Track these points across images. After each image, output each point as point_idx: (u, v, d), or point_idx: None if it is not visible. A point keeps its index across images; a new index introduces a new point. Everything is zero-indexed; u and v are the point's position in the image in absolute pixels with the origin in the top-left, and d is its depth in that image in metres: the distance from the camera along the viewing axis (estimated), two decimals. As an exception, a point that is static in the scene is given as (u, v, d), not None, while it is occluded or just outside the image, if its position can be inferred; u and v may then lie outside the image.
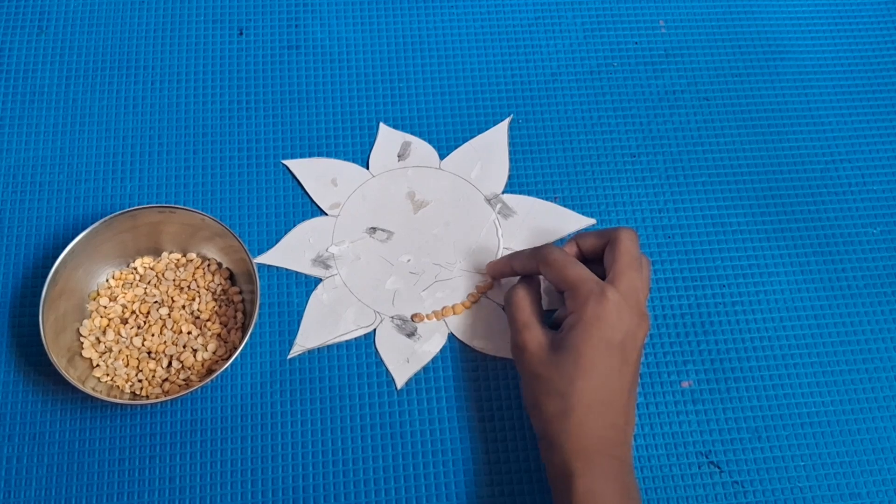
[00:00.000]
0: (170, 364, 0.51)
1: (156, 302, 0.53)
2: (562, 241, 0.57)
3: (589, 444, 0.44)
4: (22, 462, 0.50)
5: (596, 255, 0.50)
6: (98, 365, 0.51)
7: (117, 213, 0.51)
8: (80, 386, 0.47)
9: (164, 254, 0.54)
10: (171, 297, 0.53)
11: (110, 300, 0.53)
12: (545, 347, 0.46)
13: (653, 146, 0.61)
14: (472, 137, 0.60)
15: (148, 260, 0.54)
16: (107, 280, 0.53)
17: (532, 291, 0.50)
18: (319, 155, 0.59)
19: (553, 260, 0.48)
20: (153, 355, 0.51)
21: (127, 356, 0.51)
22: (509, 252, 0.56)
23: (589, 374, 0.44)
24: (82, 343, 0.51)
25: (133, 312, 0.52)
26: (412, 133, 0.60)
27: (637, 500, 0.44)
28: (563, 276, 0.47)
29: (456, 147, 0.59)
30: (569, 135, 0.61)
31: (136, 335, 0.52)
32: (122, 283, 0.53)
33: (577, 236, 0.51)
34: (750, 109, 0.62)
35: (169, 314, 0.52)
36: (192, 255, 0.54)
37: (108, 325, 0.52)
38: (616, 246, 0.47)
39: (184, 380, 0.51)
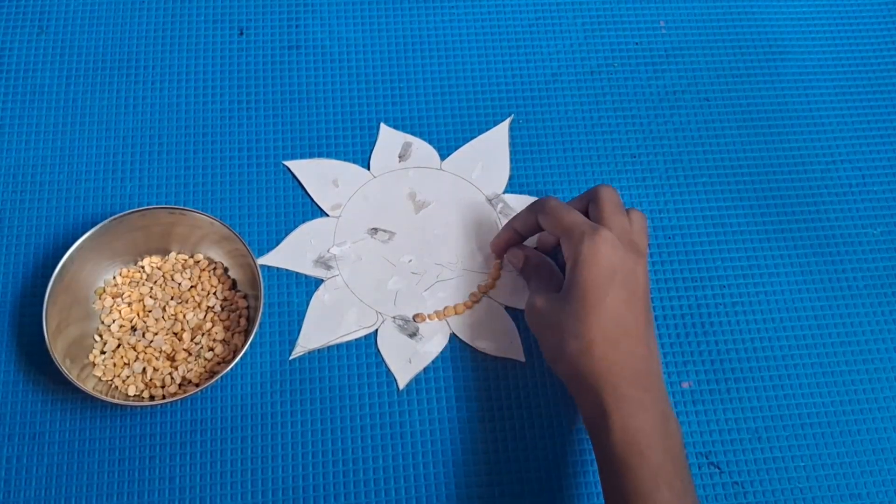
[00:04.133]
0: (172, 365, 0.51)
1: (160, 302, 0.53)
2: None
3: (615, 377, 0.45)
4: (22, 462, 0.50)
5: (531, 231, 0.52)
6: (99, 365, 0.51)
7: (128, 211, 0.51)
8: (80, 386, 0.47)
9: (172, 254, 0.54)
10: (177, 298, 0.53)
11: (115, 298, 0.53)
12: (552, 299, 0.48)
13: (653, 146, 0.61)
14: (472, 138, 0.60)
15: (156, 259, 0.54)
16: (114, 277, 0.53)
17: (548, 267, 0.52)
18: (320, 155, 0.59)
19: (550, 207, 0.49)
20: (156, 356, 0.51)
21: (129, 356, 0.51)
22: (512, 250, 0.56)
23: (598, 308, 0.45)
24: (84, 342, 0.51)
25: (137, 313, 0.52)
26: (413, 133, 0.60)
27: (675, 432, 0.45)
28: (559, 222, 0.48)
29: (457, 147, 0.59)
30: (569, 135, 0.61)
31: (140, 335, 0.52)
32: (128, 280, 0.53)
33: (510, 222, 0.53)
34: (750, 110, 0.62)
35: (173, 315, 0.52)
36: (200, 257, 0.54)
37: (111, 325, 0.52)
38: (598, 200, 0.49)
39: (185, 381, 0.51)
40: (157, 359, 0.51)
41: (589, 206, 0.50)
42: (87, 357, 0.51)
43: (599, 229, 0.46)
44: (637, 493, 0.42)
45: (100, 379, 0.50)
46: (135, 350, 0.51)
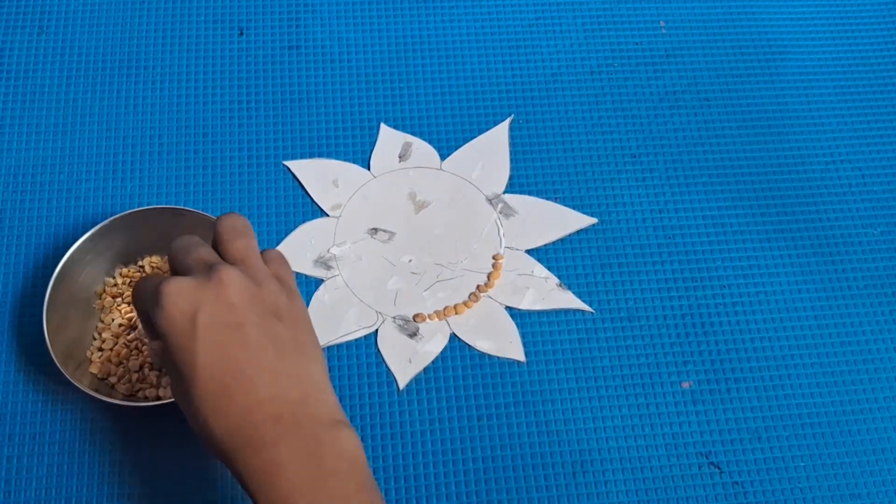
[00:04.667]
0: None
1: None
2: (563, 242, 0.57)
3: (238, 444, 0.37)
4: (22, 462, 0.50)
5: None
6: (100, 364, 0.51)
7: (128, 211, 0.51)
8: (81, 385, 0.47)
9: (172, 254, 0.54)
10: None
11: (115, 298, 0.53)
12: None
13: (653, 146, 0.61)
14: (472, 138, 0.60)
15: (156, 259, 0.54)
16: (114, 277, 0.53)
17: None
18: (320, 155, 0.59)
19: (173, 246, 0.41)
20: (154, 356, 0.51)
21: (130, 356, 0.51)
22: (510, 250, 0.56)
23: (192, 367, 0.37)
24: (86, 342, 0.51)
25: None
26: (413, 133, 0.60)
27: (341, 469, 0.37)
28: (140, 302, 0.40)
29: (457, 147, 0.59)
30: (569, 135, 0.61)
31: (140, 335, 0.52)
32: (128, 280, 0.53)
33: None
34: (750, 110, 0.62)
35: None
36: (198, 257, 0.54)
37: (112, 325, 0.52)
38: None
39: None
40: (157, 359, 0.51)
41: None
42: (88, 357, 0.51)
43: (162, 278, 0.38)
44: None
45: (101, 379, 0.50)
46: (135, 350, 0.51)
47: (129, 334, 0.52)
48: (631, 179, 0.59)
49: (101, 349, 0.51)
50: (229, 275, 0.38)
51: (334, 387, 0.52)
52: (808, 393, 0.54)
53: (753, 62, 0.64)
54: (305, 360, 0.39)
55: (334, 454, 0.37)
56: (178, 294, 0.37)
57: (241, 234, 0.41)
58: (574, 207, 0.58)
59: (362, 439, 0.51)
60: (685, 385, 0.54)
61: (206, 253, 0.40)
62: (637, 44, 0.64)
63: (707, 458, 0.52)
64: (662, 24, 0.65)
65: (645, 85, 0.63)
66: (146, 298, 0.39)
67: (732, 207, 0.59)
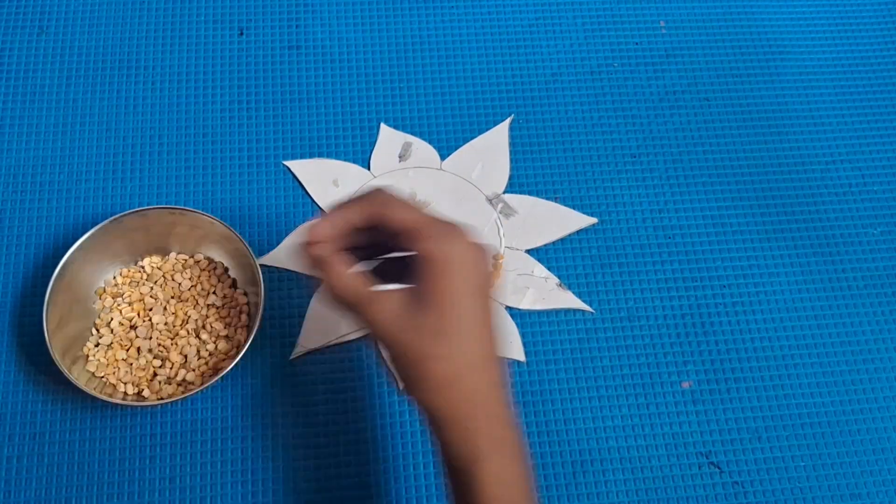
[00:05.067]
0: (172, 365, 0.51)
1: (161, 302, 0.53)
2: (563, 242, 0.57)
3: (485, 413, 0.38)
4: (22, 462, 0.50)
5: (365, 224, 0.40)
6: (100, 364, 0.51)
7: (128, 211, 0.51)
8: (81, 385, 0.47)
9: (172, 254, 0.54)
10: (177, 298, 0.53)
11: (116, 298, 0.53)
12: (400, 313, 0.38)
13: (653, 146, 0.61)
14: (472, 138, 0.60)
15: (156, 259, 0.54)
16: (114, 277, 0.53)
17: (349, 264, 0.40)
18: (320, 155, 0.59)
19: (390, 201, 0.39)
20: (156, 356, 0.51)
21: (130, 356, 0.51)
22: (510, 250, 0.56)
23: (460, 328, 0.38)
24: (85, 341, 0.51)
25: (138, 312, 0.52)
26: (413, 133, 0.60)
27: (513, 439, 0.39)
28: (404, 218, 0.39)
29: (457, 147, 0.59)
30: (569, 135, 0.61)
31: (140, 335, 0.52)
32: (129, 280, 0.53)
33: (341, 211, 0.40)
34: (750, 110, 0.62)
35: (174, 315, 0.52)
36: (200, 257, 0.54)
37: (112, 324, 0.52)
38: (390, 207, 0.39)
39: (186, 381, 0.51)
40: (157, 358, 0.51)
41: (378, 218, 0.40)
42: (89, 357, 0.51)
43: (453, 227, 0.39)
44: None
45: (101, 379, 0.50)
46: (136, 349, 0.51)
47: (128, 334, 0.52)
48: (631, 179, 0.59)
49: (96, 344, 0.51)
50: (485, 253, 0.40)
51: (334, 387, 0.53)
52: (808, 393, 0.54)
53: (753, 62, 0.64)
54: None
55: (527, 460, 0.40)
56: (473, 256, 0.39)
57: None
58: (574, 207, 0.58)
59: (362, 440, 0.51)
60: (685, 385, 0.54)
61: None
62: (637, 44, 0.64)
63: (707, 458, 0.52)
64: (662, 24, 0.65)
65: (645, 85, 0.63)
66: (425, 230, 0.38)
67: (732, 207, 0.59)
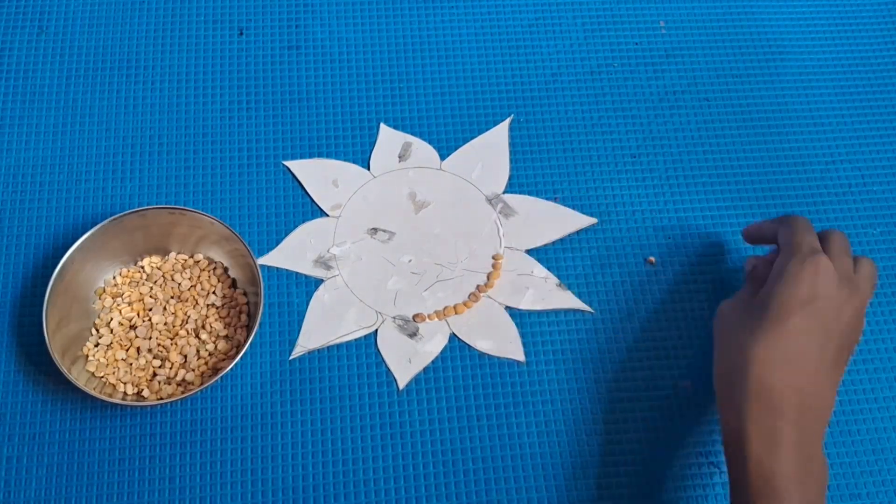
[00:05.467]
0: (172, 365, 0.51)
1: (161, 302, 0.53)
2: (562, 242, 0.57)
3: (762, 402, 0.41)
4: (22, 462, 0.50)
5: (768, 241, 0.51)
6: (100, 364, 0.51)
7: (127, 211, 0.51)
8: (81, 385, 0.47)
9: (172, 254, 0.54)
10: (177, 298, 0.53)
11: (115, 298, 0.53)
12: (737, 308, 0.46)
13: (653, 146, 0.61)
14: (472, 138, 0.60)
15: (155, 259, 0.54)
16: (114, 277, 0.53)
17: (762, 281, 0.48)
18: (320, 155, 0.59)
19: (792, 222, 0.48)
20: (156, 356, 0.51)
21: (129, 356, 0.51)
22: (510, 250, 0.56)
23: (773, 327, 0.43)
24: (85, 342, 0.51)
25: (138, 312, 0.52)
26: (412, 133, 0.60)
27: (819, 473, 0.42)
28: (790, 236, 0.46)
29: (456, 147, 0.59)
30: (569, 135, 0.61)
31: (140, 335, 0.52)
32: (128, 280, 0.53)
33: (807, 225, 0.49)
34: (750, 110, 0.62)
35: (173, 315, 0.52)
36: (199, 257, 0.54)
37: (111, 324, 0.52)
38: (826, 238, 0.47)
39: (186, 381, 0.51)
40: (157, 358, 0.51)
41: (780, 231, 0.48)
42: (89, 357, 0.51)
43: (819, 255, 0.44)
44: None
45: (100, 379, 0.50)
46: (136, 349, 0.51)
47: (128, 334, 0.52)
48: (631, 179, 0.59)
49: (96, 344, 0.51)
50: (857, 294, 0.45)
51: (334, 387, 0.53)
52: (808, 393, 0.54)
53: (753, 62, 0.64)
54: (837, 376, 0.45)
55: (817, 462, 0.42)
56: (822, 277, 0.43)
57: (846, 253, 0.47)
58: (574, 208, 0.58)
59: (361, 439, 0.51)
60: (685, 385, 0.54)
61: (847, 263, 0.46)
62: (637, 44, 0.64)
63: (707, 458, 0.52)
64: (662, 24, 0.65)
65: (645, 85, 0.63)
66: (792, 249, 0.45)
67: (732, 207, 0.59)
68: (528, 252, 0.56)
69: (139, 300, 0.53)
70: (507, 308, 0.55)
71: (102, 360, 0.51)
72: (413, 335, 0.54)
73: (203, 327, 0.52)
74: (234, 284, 0.54)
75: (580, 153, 0.60)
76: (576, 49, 0.64)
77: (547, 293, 0.55)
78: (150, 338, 0.52)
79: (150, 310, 0.53)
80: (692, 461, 0.52)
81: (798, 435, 0.41)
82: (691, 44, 0.64)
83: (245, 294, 0.53)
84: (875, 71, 0.65)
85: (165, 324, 0.52)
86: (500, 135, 0.60)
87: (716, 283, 0.57)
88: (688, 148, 0.61)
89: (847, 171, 0.61)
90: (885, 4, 0.67)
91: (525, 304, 0.55)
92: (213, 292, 0.53)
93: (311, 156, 0.59)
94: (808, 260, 0.44)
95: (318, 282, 0.55)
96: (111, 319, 0.52)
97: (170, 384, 0.51)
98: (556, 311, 0.55)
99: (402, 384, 0.53)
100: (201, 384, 0.48)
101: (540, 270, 0.56)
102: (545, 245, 0.57)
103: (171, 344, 0.52)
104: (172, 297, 0.53)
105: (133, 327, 0.52)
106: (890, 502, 0.51)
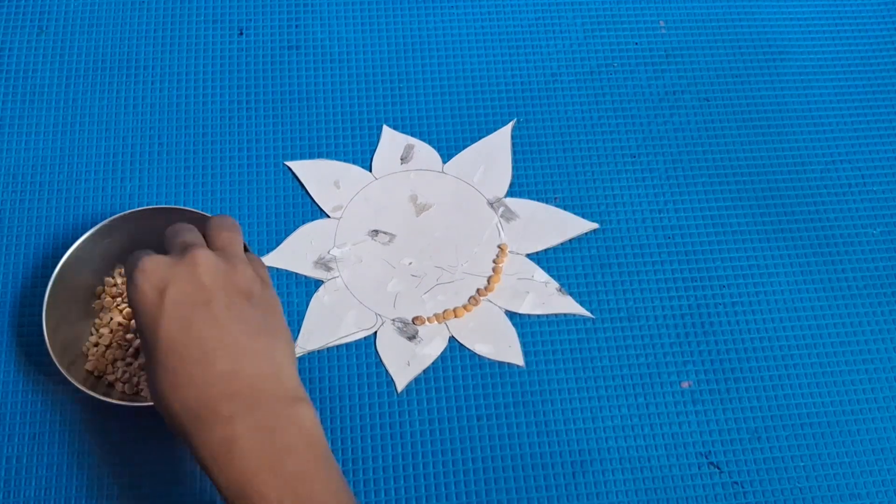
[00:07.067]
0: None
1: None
2: (562, 245, 0.57)
3: (190, 415, 0.37)
4: (22, 462, 0.50)
5: None
6: (100, 364, 0.51)
7: (127, 211, 0.51)
8: (81, 385, 0.47)
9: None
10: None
11: (115, 298, 0.53)
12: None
13: (653, 147, 0.61)
14: (474, 140, 0.60)
15: (156, 259, 0.54)
16: (114, 277, 0.53)
17: None
18: (321, 156, 0.59)
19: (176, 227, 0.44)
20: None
21: (129, 356, 0.51)
22: (513, 254, 0.56)
23: (155, 340, 0.38)
24: (85, 341, 0.51)
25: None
26: (414, 135, 0.60)
27: (294, 438, 0.37)
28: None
29: (458, 149, 0.59)
30: (569, 135, 0.61)
31: (139, 335, 0.52)
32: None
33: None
34: (750, 110, 0.62)
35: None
36: (199, 257, 0.54)
37: (111, 324, 0.52)
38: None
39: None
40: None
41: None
42: (88, 357, 0.51)
43: (143, 253, 0.40)
44: None
45: (101, 379, 0.50)
46: (133, 349, 0.51)
47: (127, 334, 0.52)
48: (631, 180, 0.59)
49: (96, 344, 0.51)
50: (203, 255, 0.40)
51: (333, 388, 0.53)
52: (808, 393, 0.54)
53: (753, 62, 0.64)
54: (272, 340, 0.40)
55: (291, 430, 0.38)
56: (152, 270, 0.39)
57: (226, 228, 0.43)
58: (574, 208, 0.58)
59: (361, 440, 0.51)
60: (685, 385, 0.54)
61: (191, 237, 0.42)
62: (637, 44, 0.64)
63: (707, 458, 0.52)
64: (662, 24, 0.65)
65: (645, 85, 0.63)
66: (126, 274, 0.41)
67: (732, 207, 0.59)
68: (529, 256, 0.56)
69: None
70: (507, 312, 0.55)
71: (102, 359, 0.51)
72: (412, 338, 0.54)
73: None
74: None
75: (580, 153, 0.60)
76: (576, 49, 0.64)
77: (547, 298, 0.55)
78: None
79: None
80: (692, 461, 0.52)
81: (242, 421, 0.37)
82: (691, 44, 0.64)
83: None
84: (875, 71, 0.65)
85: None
86: (502, 138, 0.60)
87: (715, 282, 0.57)
88: (688, 148, 0.61)
89: (847, 171, 0.61)
90: (885, 4, 0.67)
91: (525, 309, 0.55)
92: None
93: (312, 156, 0.59)
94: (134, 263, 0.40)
95: (318, 283, 0.55)
96: (111, 319, 0.52)
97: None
98: (556, 316, 0.55)
99: (400, 386, 0.53)
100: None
101: (540, 275, 0.56)
102: (546, 249, 0.57)
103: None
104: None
105: (133, 327, 0.52)
106: (890, 502, 0.51)
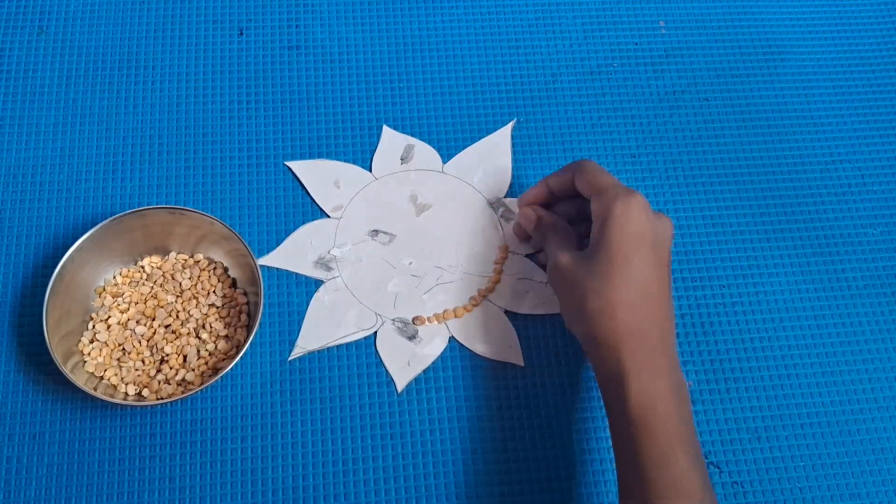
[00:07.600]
0: (172, 365, 0.51)
1: (161, 302, 0.53)
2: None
3: (635, 341, 0.44)
4: (22, 462, 0.50)
5: (564, 191, 0.52)
6: (100, 364, 0.51)
7: (128, 211, 0.51)
8: (81, 385, 0.47)
9: (172, 254, 0.54)
10: (177, 298, 0.53)
11: (115, 298, 0.53)
12: (577, 257, 0.47)
13: (653, 146, 0.61)
14: (474, 139, 0.60)
15: (156, 259, 0.54)
16: (114, 277, 0.53)
17: (564, 226, 0.51)
18: (321, 156, 0.59)
19: (587, 167, 0.49)
20: (156, 355, 0.51)
21: (130, 356, 0.51)
22: (513, 254, 0.56)
23: (623, 269, 0.44)
24: (85, 341, 0.51)
25: (138, 312, 0.53)
26: (414, 135, 0.60)
27: (688, 398, 0.45)
28: (595, 181, 0.48)
29: (458, 150, 0.59)
30: (569, 135, 0.61)
31: (140, 335, 0.52)
32: (128, 280, 0.53)
33: (545, 178, 0.53)
34: (750, 110, 0.62)
35: (174, 315, 0.52)
36: (199, 257, 0.54)
37: (112, 324, 0.52)
38: (585, 173, 0.49)
39: (186, 381, 0.51)
40: (157, 358, 0.51)
41: (575, 179, 0.50)
42: (89, 357, 0.51)
43: (633, 192, 0.46)
44: (653, 457, 0.42)
45: (100, 379, 0.50)
46: (136, 349, 0.51)
47: (127, 334, 0.52)
48: (631, 180, 0.59)
49: (104, 351, 0.51)
50: (669, 221, 0.48)
51: (333, 388, 0.53)
52: (808, 393, 0.54)
53: (753, 62, 0.64)
54: (671, 298, 0.47)
55: (685, 387, 0.45)
56: (645, 212, 0.46)
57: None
58: (574, 208, 0.58)
59: (361, 440, 0.51)
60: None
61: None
62: (637, 44, 0.64)
63: (707, 457, 0.52)
64: (662, 24, 0.65)
65: (645, 85, 0.63)
66: (609, 192, 0.46)
67: (732, 207, 0.59)
68: (529, 256, 0.56)
69: (139, 300, 0.53)
70: (507, 312, 0.55)
71: (102, 360, 0.51)
72: (412, 338, 0.54)
73: (203, 327, 0.52)
74: (234, 284, 0.54)
75: (580, 153, 0.60)
76: (576, 50, 0.64)
77: (547, 298, 0.55)
78: (150, 337, 0.52)
79: (150, 311, 0.53)
80: (692, 462, 0.52)
81: (668, 363, 0.45)
82: (691, 44, 0.64)
83: (245, 294, 0.54)
84: (875, 71, 0.65)
85: (166, 324, 0.52)
86: (502, 139, 0.60)
87: (715, 282, 0.57)
88: (688, 148, 0.61)
89: (847, 171, 0.61)
90: (885, 4, 0.67)
91: (525, 309, 0.55)
92: (214, 292, 0.53)
93: (311, 156, 0.59)
94: (626, 199, 0.45)
95: (318, 283, 0.55)
96: (111, 319, 0.52)
97: (170, 384, 0.51)
98: (556, 316, 0.55)
99: (400, 386, 0.53)
100: (201, 384, 0.48)
101: (540, 275, 0.56)
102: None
103: (171, 344, 0.52)
104: (172, 297, 0.53)
105: (133, 327, 0.52)
106: (890, 502, 0.51)
